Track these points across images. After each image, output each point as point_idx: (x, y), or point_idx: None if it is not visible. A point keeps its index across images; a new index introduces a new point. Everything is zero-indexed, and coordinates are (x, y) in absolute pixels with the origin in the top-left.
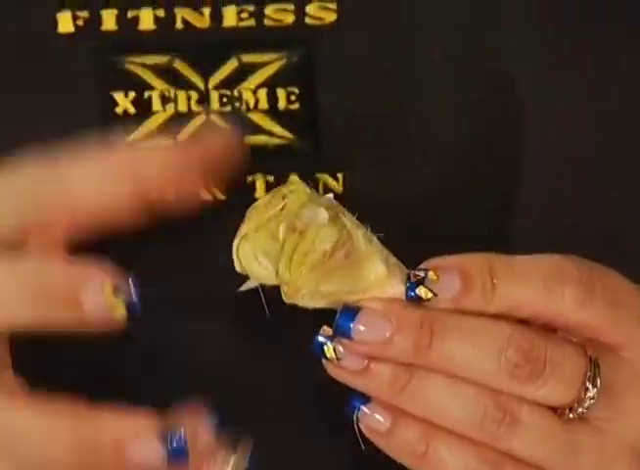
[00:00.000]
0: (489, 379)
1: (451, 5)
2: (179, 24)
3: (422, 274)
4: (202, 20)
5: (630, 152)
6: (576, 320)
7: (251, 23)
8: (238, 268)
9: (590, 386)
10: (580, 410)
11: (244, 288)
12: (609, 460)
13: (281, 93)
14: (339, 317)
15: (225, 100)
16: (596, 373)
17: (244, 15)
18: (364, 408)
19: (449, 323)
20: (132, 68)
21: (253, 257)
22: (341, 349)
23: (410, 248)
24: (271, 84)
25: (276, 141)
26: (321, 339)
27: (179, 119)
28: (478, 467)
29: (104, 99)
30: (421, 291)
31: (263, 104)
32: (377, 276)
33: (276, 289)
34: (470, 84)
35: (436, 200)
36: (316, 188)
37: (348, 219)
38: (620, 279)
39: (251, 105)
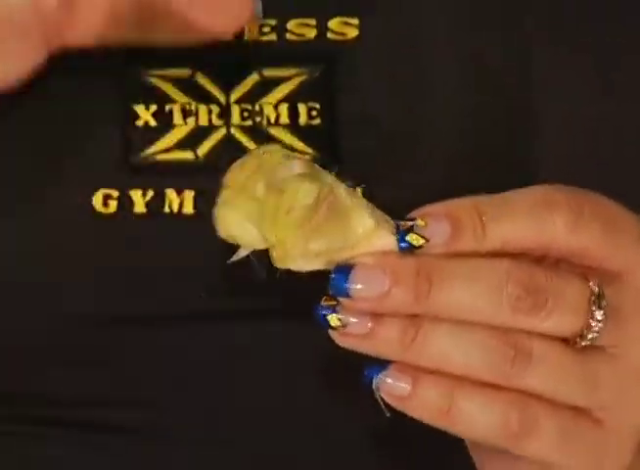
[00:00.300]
0: (494, 317)
1: (454, 9)
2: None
3: (410, 223)
4: None
5: (635, 153)
6: (572, 245)
7: (273, 37)
8: (222, 235)
9: (596, 310)
10: (591, 336)
11: (234, 258)
12: (625, 387)
13: (302, 108)
14: (333, 278)
15: (246, 114)
16: (601, 297)
17: (265, 29)
18: (382, 376)
19: (445, 268)
20: (154, 81)
21: (237, 222)
22: (344, 316)
23: None
24: (292, 99)
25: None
26: (323, 309)
27: (200, 133)
28: (504, 411)
29: (125, 111)
30: (412, 238)
31: (284, 119)
32: (365, 229)
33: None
34: (475, 87)
35: None
36: None
37: (329, 177)
38: (611, 203)
39: (272, 120)
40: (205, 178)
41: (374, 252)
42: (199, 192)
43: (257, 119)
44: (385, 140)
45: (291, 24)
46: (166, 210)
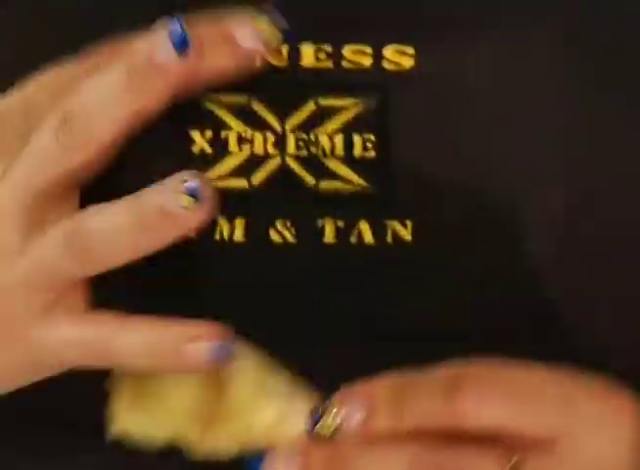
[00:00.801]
0: None
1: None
2: (257, 62)
3: (323, 408)
4: (279, 58)
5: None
6: (483, 421)
7: (329, 64)
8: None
9: None
10: None
11: None
12: None
13: (357, 140)
14: (247, 464)
15: (301, 144)
16: None
17: (321, 55)
18: None
19: (356, 455)
20: (210, 106)
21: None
22: None
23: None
24: (347, 130)
25: (349, 187)
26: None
27: (255, 161)
28: None
29: (181, 137)
30: (323, 426)
31: (339, 150)
32: (273, 419)
33: None
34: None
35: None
36: (385, 235)
37: (237, 367)
38: (526, 370)
39: (328, 151)
40: (258, 207)
41: (291, 435)
42: (250, 220)
43: (313, 150)
44: (437, 175)
45: (346, 51)
46: (217, 237)
